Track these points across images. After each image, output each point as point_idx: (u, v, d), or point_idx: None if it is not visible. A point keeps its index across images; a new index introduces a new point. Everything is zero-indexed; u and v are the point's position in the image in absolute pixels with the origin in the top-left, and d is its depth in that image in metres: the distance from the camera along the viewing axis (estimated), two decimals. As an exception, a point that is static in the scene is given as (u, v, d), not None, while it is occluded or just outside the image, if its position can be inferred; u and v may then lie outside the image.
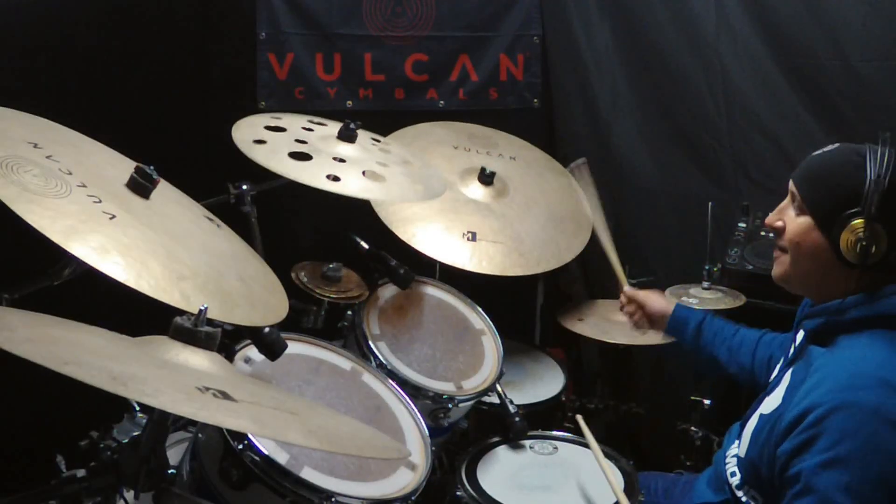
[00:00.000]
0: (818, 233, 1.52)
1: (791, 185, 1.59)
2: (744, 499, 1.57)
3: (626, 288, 2.23)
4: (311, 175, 1.90)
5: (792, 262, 1.58)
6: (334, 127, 2.12)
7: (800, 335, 1.63)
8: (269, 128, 2.05)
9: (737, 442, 1.65)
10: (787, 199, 1.60)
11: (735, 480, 1.60)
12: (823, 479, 1.35)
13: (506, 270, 2.31)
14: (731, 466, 1.64)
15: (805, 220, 1.54)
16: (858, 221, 1.45)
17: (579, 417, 2.07)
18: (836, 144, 1.57)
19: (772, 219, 1.63)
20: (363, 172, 1.98)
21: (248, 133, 1.99)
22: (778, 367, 1.69)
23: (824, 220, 1.51)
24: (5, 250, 1.79)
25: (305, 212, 2.86)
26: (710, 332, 2.00)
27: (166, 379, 1.14)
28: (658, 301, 2.13)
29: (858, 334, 1.48)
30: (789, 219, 1.58)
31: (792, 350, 1.64)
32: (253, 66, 2.84)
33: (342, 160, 1.99)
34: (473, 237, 2.35)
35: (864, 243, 1.45)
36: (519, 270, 2.34)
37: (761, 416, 1.56)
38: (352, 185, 1.92)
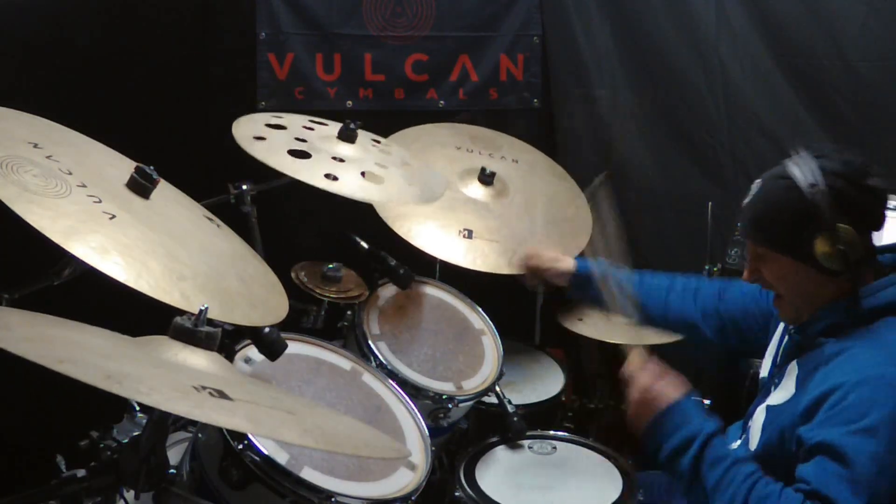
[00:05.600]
0: (794, 262, 1.53)
1: (747, 242, 1.61)
2: None
3: (517, 261, 2.17)
4: (309, 173, 1.90)
5: (790, 300, 1.60)
6: (335, 127, 2.12)
7: (780, 329, 1.66)
8: (269, 125, 2.04)
9: (739, 439, 1.66)
10: (751, 255, 1.61)
11: None
12: (851, 447, 1.35)
13: (500, 268, 2.32)
14: None
15: (779, 261, 1.55)
16: (824, 234, 1.47)
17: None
18: (758, 181, 1.60)
19: (748, 277, 1.63)
20: (362, 173, 1.98)
21: (249, 129, 1.99)
22: (770, 361, 1.71)
23: (793, 249, 1.52)
24: (5, 250, 1.79)
25: (305, 212, 2.85)
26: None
27: (162, 378, 1.14)
28: (558, 263, 2.08)
29: (869, 326, 1.49)
30: (764, 268, 1.59)
31: (786, 344, 1.66)
32: (253, 66, 2.84)
33: (341, 160, 1.99)
34: (469, 235, 2.36)
35: (840, 248, 1.46)
36: (514, 269, 2.34)
37: (769, 407, 1.57)
38: (349, 185, 1.92)
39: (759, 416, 1.59)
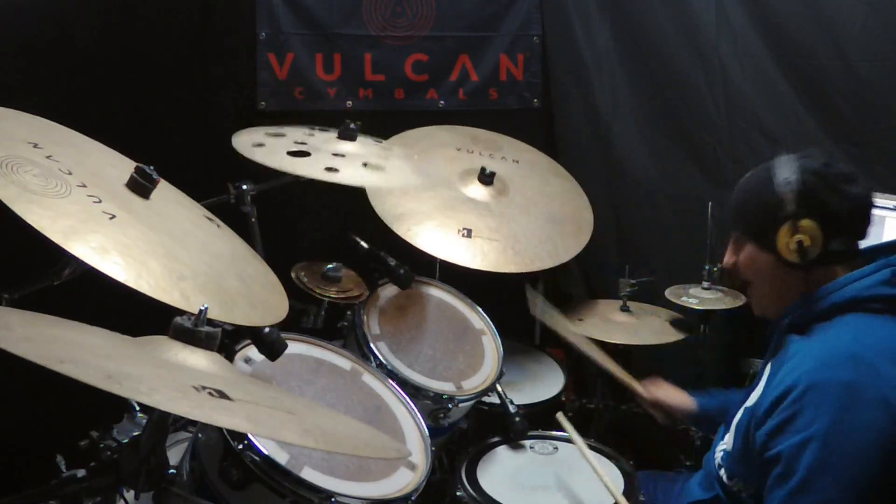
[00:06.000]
0: (762, 252, 1.59)
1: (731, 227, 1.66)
2: (734, 489, 1.61)
3: (642, 391, 2.15)
4: (310, 168, 1.91)
5: (756, 290, 1.66)
6: (336, 132, 2.12)
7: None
8: (269, 134, 2.05)
9: (724, 438, 1.68)
10: (732, 239, 1.68)
11: (724, 473, 1.64)
12: (802, 460, 1.40)
13: (500, 267, 2.32)
14: (720, 461, 1.67)
15: (749, 248, 1.62)
16: (786, 225, 1.53)
17: (560, 416, 2.07)
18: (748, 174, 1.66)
19: (726, 261, 1.70)
20: (364, 164, 1.98)
21: (248, 139, 2.00)
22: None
23: (761, 238, 1.58)
24: (5, 250, 1.79)
25: (305, 212, 2.86)
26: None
27: (163, 378, 1.14)
28: (680, 401, 2.08)
29: (830, 321, 1.53)
30: (739, 254, 1.66)
31: (770, 349, 1.68)
32: (253, 66, 2.84)
33: (342, 155, 1.99)
34: (469, 234, 2.36)
35: (799, 241, 1.51)
36: (513, 268, 2.34)
37: (745, 408, 1.60)
38: (351, 175, 1.94)
39: (738, 415, 1.63)
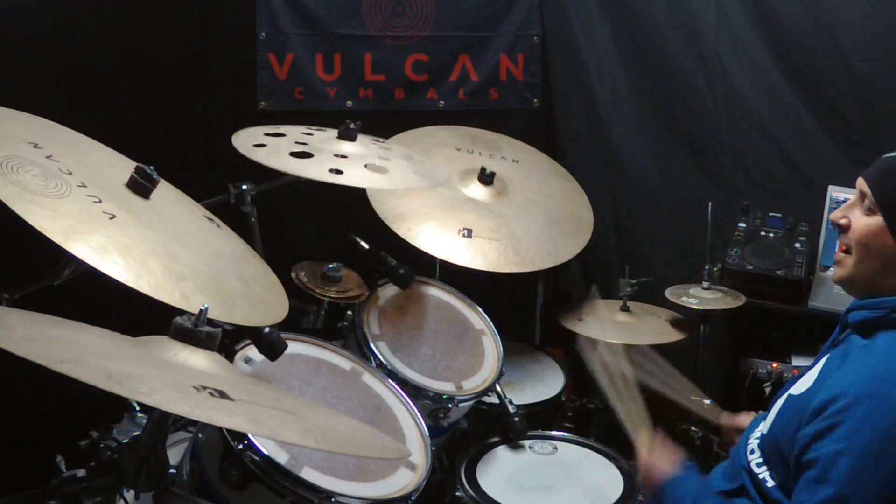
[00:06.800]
0: (886, 234, 1.50)
1: (861, 183, 1.56)
2: (761, 476, 1.58)
3: (724, 419, 2.03)
4: (314, 170, 1.91)
5: (856, 262, 1.56)
6: (335, 132, 2.12)
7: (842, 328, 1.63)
8: (268, 135, 2.05)
9: (762, 424, 1.66)
10: (856, 198, 1.57)
11: (755, 458, 1.61)
12: (837, 470, 1.37)
13: (500, 267, 2.32)
14: (753, 446, 1.64)
15: (875, 221, 1.52)
16: None
17: None
18: None
19: (837, 215, 1.59)
20: (365, 165, 1.98)
21: (248, 139, 2.00)
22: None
23: (893, 223, 1.49)
24: (5, 250, 1.79)
25: (305, 212, 2.86)
26: None
27: (163, 378, 1.15)
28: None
29: None
30: (856, 217, 1.55)
31: (829, 341, 1.65)
32: (253, 66, 2.84)
33: (344, 156, 1.99)
34: (469, 234, 2.36)
35: None
36: (513, 268, 2.34)
37: (790, 396, 1.57)
38: (355, 177, 1.92)
39: (781, 401, 1.59)
